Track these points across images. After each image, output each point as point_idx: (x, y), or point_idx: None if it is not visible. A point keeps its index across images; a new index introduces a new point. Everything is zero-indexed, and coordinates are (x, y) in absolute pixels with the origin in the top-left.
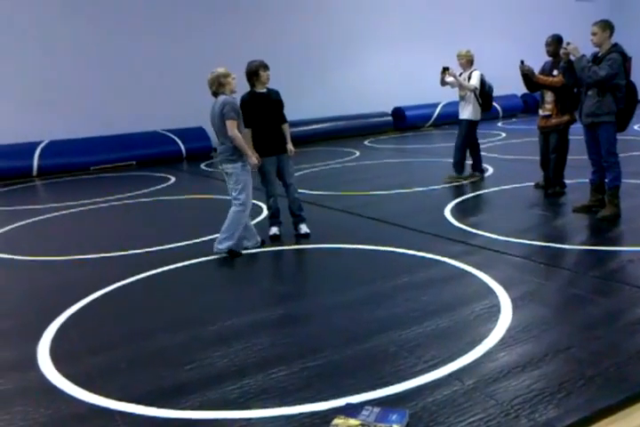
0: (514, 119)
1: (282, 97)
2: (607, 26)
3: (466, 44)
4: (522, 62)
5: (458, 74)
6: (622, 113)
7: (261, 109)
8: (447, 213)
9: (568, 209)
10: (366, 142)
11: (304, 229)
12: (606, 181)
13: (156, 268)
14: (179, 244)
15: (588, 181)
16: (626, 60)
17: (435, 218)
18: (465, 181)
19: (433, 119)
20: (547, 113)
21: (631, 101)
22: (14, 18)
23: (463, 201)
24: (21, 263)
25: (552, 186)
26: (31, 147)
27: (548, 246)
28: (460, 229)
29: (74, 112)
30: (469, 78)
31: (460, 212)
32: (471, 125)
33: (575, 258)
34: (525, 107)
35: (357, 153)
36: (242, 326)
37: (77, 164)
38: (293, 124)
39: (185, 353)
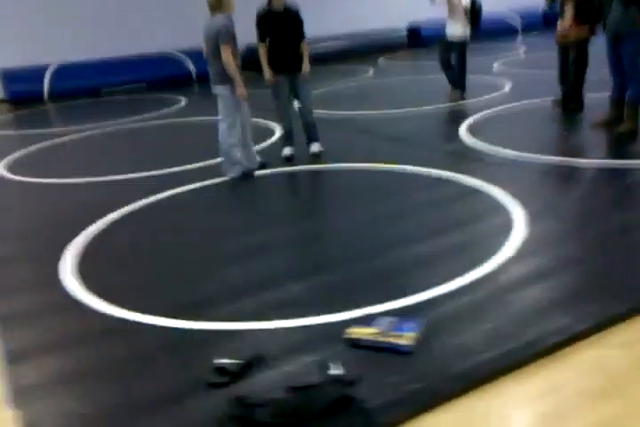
0: (534, 32)
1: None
2: None
3: None
4: None
5: None
6: None
7: (277, 26)
8: (463, 129)
9: (586, 125)
10: (380, 60)
11: (315, 148)
12: (627, 94)
13: (170, 189)
14: (193, 165)
15: (608, 96)
16: None
17: (450, 135)
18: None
19: None
20: (566, 26)
21: None
22: None
23: (480, 117)
24: (36, 186)
25: (571, 101)
26: (42, 70)
27: (566, 162)
28: (476, 145)
29: (84, 34)
30: None
31: (476, 128)
32: (465, 45)
33: (592, 173)
34: (545, 21)
35: (371, 71)
36: (258, 244)
37: (88, 87)
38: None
39: (203, 270)
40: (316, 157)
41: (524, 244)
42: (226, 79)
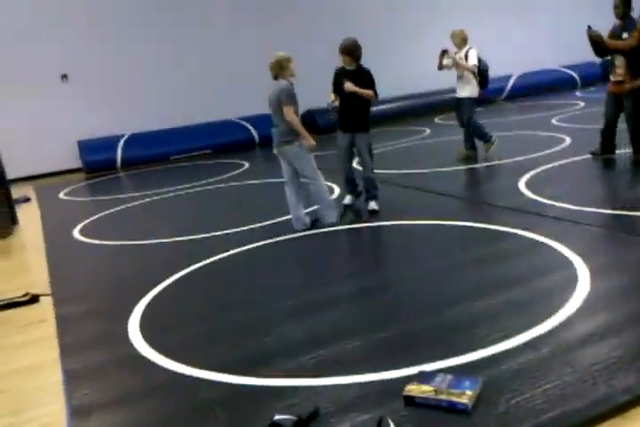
0: (592, 88)
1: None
2: None
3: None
4: (589, 27)
5: (454, 53)
6: None
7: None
8: (521, 185)
9: None
10: (437, 120)
11: (372, 205)
12: None
13: (233, 248)
14: (254, 225)
15: None
16: None
17: (509, 191)
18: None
19: (506, 92)
20: (619, 78)
21: None
22: (99, 16)
23: (538, 173)
24: (111, 248)
25: (636, 151)
26: (115, 140)
27: (627, 215)
28: (535, 200)
29: (152, 105)
30: (466, 57)
31: (534, 183)
32: (473, 102)
33: None
34: (605, 74)
35: (428, 130)
36: (316, 300)
37: (157, 154)
38: None
39: (263, 326)
40: (373, 214)
41: (587, 300)
42: (292, 139)
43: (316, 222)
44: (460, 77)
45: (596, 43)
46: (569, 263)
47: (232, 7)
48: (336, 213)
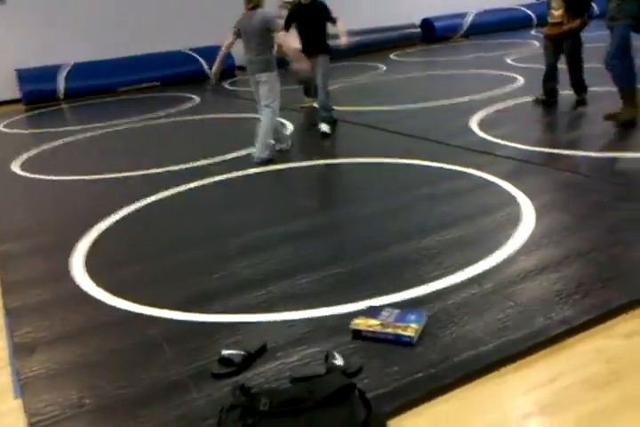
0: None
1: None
2: None
3: None
4: None
5: None
6: None
7: (304, 17)
8: (473, 124)
9: (594, 117)
10: (392, 56)
11: (323, 127)
12: (614, 81)
13: (184, 184)
14: (206, 161)
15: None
16: None
17: (460, 130)
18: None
19: (464, 30)
20: (556, 20)
21: None
22: None
23: (490, 113)
24: (52, 183)
25: (577, 92)
26: (57, 69)
27: (573, 155)
28: (486, 139)
29: (99, 33)
30: None
31: (486, 123)
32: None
33: (599, 165)
34: None
35: (384, 67)
36: (267, 238)
37: (102, 85)
38: None
39: (212, 264)
40: (325, 137)
41: (530, 237)
42: (273, 66)
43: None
44: None
45: None
46: (515, 202)
47: None
48: (267, 152)
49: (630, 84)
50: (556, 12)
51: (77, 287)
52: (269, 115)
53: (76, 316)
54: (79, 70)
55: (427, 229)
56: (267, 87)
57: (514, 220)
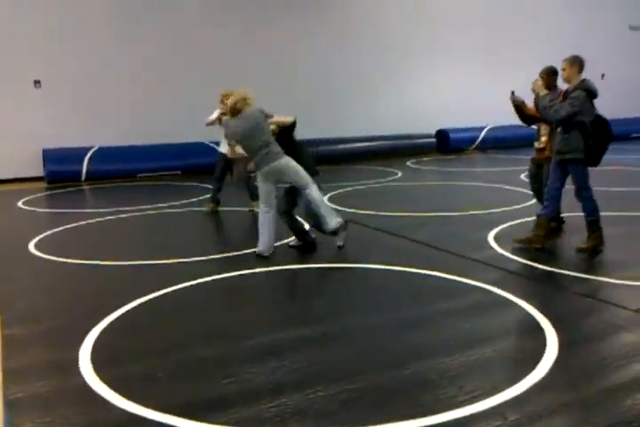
0: None
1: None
2: (575, 61)
3: (512, 68)
4: (512, 93)
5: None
6: (592, 149)
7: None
8: (491, 238)
9: (618, 240)
10: (409, 163)
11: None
12: (584, 215)
13: (197, 278)
14: (221, 255)
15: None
16: (592, 96)
17: (478, 243)
18: None
19: (477, 143)
20: (541, 146)
21: (602, 137)
22: (77, 24)
23: (506, 227)
24: (67, 266)
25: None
26: (82, 152)
27: (591, 279)
28: (504, 256)
29: (124, 120)
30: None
31: (504, 237)
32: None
33: (623, 292)
34: None
35: (399, 173)
36: (279, 342)
37: (124, 170)
38: (337, 141)
39: (222, 367)
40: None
41: (556, 365)
42: (282, 152)
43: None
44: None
45: (519, 109)
46: (537, 324)
47: (217, 22)
48: (337, 218)
49: (597, 216)
50: (543, 138)
51: (82, 381)
52: (316, 194)
53: (78, 415)
54: (103, 154)
55: (447, 347)
56: (292, 172)
57: (537, 345)
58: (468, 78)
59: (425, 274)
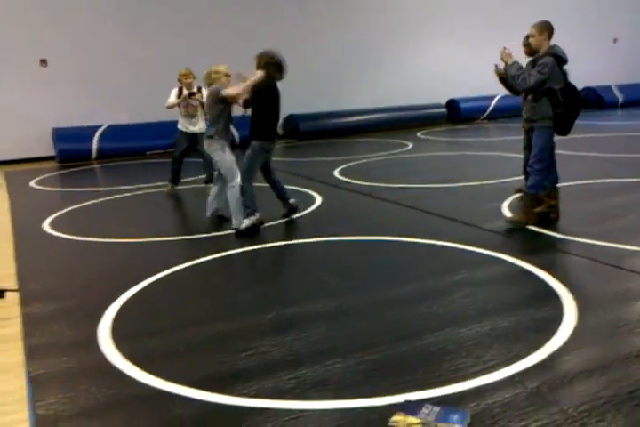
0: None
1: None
2: (544, 27)
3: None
4: (496, 66)
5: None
6: (562, 117)
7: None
8: (505, 207)
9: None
10: (419, 134)
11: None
12: (527, 186)
13: (212, 253)
14: (232, 231)
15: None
16: (562, 63)
17: (492, 213)
18: None
19: (488, 112)
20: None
21: (572, 105)
22: (83, 3)
23: (522, 196)
24: (82, 244)
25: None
26: (91, 130)
27: (615, 247)
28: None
29: (132, 98)
30: None
31: (518, 207)
32: None
33: None
34: (592, 100)
35: (410, 145)
36: (297, 315)
37: (133, 148)
38: (347, 113)
39: (241, 340)
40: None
41: (574, 333)
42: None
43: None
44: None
45: (504, 80)
46: (554, 293)
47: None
48: (244, 220)
49: (538, 192)
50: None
51: (103, 357)
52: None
53: (101, 389)
54: (112, 132)
55: (464, 317)
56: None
57: (555, 313)
58: (477, 47)
59: (439, 245)
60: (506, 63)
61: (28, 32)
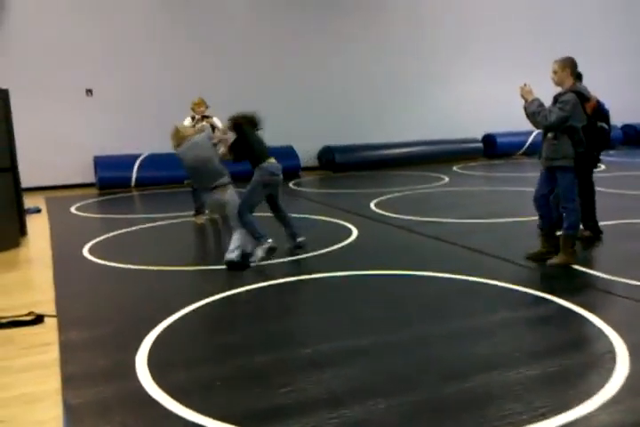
0: (611, 151)
1: None
2: (566, 64)
3: None
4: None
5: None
6: (583, 157)
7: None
8: None
9: None
10: (455, 168)
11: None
12: (564, 227)
13: (252, 283)
14: (277, 260)
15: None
16: (584, 100)
17: (532, 250)
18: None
19: (525, 147)
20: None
21: (594, 144)
22: (130, 32)
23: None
24: (119, 271)
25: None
26: (131, 159)
27: None
28: (566, 265)
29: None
30: None
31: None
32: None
33: None
34: (626, 138)
35: (446, 179)
36: (336, 351)
37: (171, 177)
38: (383, 146)
39: (279, 375)
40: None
41: (627, 381)
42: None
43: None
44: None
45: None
46: (604, 336)
47: (265, 33)
48: (236, 252)
49: (577, 231)
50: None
51: (140, 387)
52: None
53: (137, 422)
54: (152, 161)
55: (511, 359)
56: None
57: (606, 358)
58: (514, 82)
59: (479, 282)
60: (525, 100)
61: (77, 63)
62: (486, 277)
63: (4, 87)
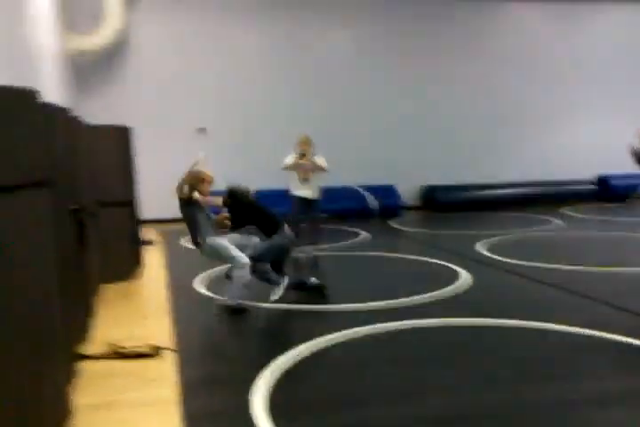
0: None
1: None
2: None
3: None
4: (632, 147)
5: None
6: None
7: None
8: None
9: None
10: (564, 210)
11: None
12: None
13: (368, 325)
14: (392, 301)
15: None
16: None
17: None
18: None
19: None
20: None
21: None
22: (239, 80)
23: None
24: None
25: None
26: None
27: None
28: None
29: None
30: None
31: None
32: None
33: None
34: None
35: (555, 221)
36: (464, 406)
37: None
38: (485, 186)
39: None
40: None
41: None
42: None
43: None
44: None
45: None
46: None
47: (367, 65)
48: (231, 300)
49: None
50: None
51: None
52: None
53: None
54: (260, 197)
55: None
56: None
57: None
58: (628, 122)
59: (608, 339)
60: None
61: (192, 103)
62: (618, 333)
63: (129, 125)
